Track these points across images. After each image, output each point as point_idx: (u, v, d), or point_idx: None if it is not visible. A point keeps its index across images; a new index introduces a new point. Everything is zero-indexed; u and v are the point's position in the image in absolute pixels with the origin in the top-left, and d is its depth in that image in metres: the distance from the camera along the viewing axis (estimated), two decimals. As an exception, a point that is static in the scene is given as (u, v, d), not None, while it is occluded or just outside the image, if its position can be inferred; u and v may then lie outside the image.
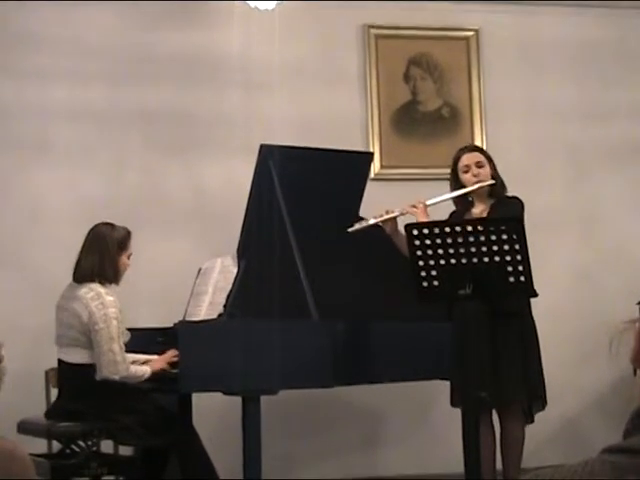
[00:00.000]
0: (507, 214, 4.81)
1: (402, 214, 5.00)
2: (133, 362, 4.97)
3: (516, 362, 4.83)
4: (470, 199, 5.08)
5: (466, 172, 5.05)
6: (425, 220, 4.86)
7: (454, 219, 5.00)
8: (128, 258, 5.03)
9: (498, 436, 5.03)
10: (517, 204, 4.97)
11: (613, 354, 1.89)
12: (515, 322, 4.85)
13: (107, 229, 5.00)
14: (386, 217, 5.00)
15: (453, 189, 5.10)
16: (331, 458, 6.31)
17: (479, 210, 5.05)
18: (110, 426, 4.83)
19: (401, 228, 4.92)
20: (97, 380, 4.81)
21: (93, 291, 4.85)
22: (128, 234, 5.03)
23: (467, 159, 5.08)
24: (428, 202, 4.98)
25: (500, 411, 4.97)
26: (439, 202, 5.04)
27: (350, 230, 4.97)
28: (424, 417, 6.41)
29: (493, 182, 5.00)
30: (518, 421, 4.94)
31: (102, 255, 4.93)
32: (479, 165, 5.05)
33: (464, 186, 5.03)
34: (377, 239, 5.13)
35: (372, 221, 5.00)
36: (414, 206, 4.96)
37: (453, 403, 5.02)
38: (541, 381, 4.91)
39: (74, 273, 4.97)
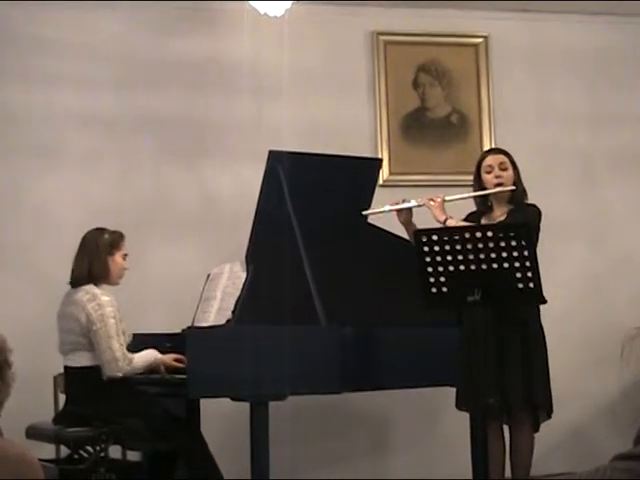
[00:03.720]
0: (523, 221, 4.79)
1: (419, 205, 5.02)
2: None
3: (521, 371, 4.81)
4: (490, 203, 5.07)
5: (489, 172, 5.04)
6: (440, 215, 4.89)
7: (470, 220, 5.00)
8: (124, 259, 5.08)
9: (507, 443, 5.02)
10: (534, 212, 4.95)
11: (624, 360, 1.88)
12: (521, 329, 4.83)
13: (95, 233, 5.09)
14: (402, 206, 5.03)
15: (476, 189, 5.09)
16: (339, 463, 6.31)
17: (498, 214, 5.03)
18: (118, 430, 4.84)
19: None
20: (103, 382, 4.83)
21: (89, 293, 4.92)
22: (120, 236, 5.10)
23: (491, 160, 5.07)
24: (447, 198, 5.00)
25: (509, 419, 4.96)
26: (457, 199, 5.04)
27: (364, 213, 5.02)
28: (432, 423, 6.40)
29: (513, 188, 4.98)
30: (527, 429, 4.92)
31: (91, 257, 5.01)
32: (502, 167, 5.03)
33: (486, 188, 5.03)
34: (385, 245, 5.13)
35: (387, 208, 5.03)
36: (432, 199, 4.98)
37: (458, 405, 5.00)
38: (547, 390, 4.89)
39: (70, 279, 5.05)
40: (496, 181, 4.99)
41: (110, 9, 6.18)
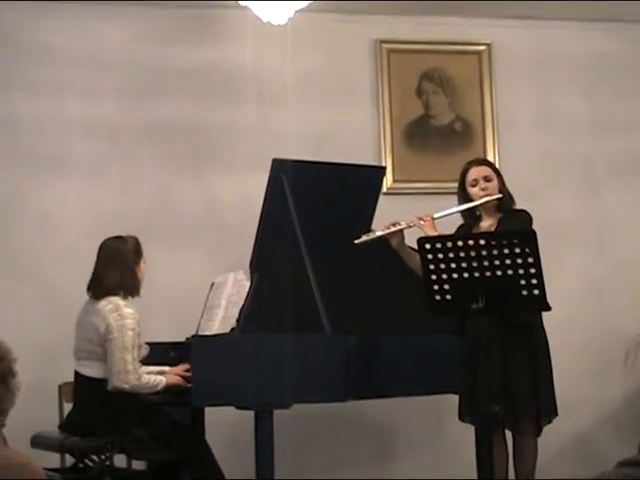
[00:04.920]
0: (515, 228, 4.79)
1: (409, 226, 4.99)
2: (147, 373, 4.97)
3: (526, 376, 4.80)
4: (478, 213, 5.07)
5: (474, 186, 5.04)
6: (433, 233, 4.85)
7: (462, 233, 4.99)
8: (144, 264, 5.07)
9: (510, 450, 5.01)
10: (525, 217, 4.95)
11: (629, 367, 1.89)
12: (526, 334, 4.83)
13: (120, 242, 5.03)
14: (393, 230, 4.99)
15: (461, 203, 5.09)
16: (344, 471, 6.30)
17: (487, 224, 5.03)
18: (123, 440, 4.83)
19: (408, 241, 4.93)
20: (110, 394, 4.81)
21: (112, 304, 4.88)
22: (138, 242, 5.07)
23: (475, 173, 5.07)
24: (436, 215, 4.97)
25: (512, 425, 4.95)
26: (447, 215, 5.03)
27: (357, 242, 4.96)
28: (437, 430, 6.40)
29: (500, 196, 4.99)
30: (530, 435, 4.91)
31: (123, 269, 4.96)
32: (487, 179, 5.04)
33: (472, 200, 5.03)
34: (389, 253, 5.12)
35: (379, 233, 4.99)
36: (421, 219, 4.95)
37: (461, 417, 5.00)
38: (551, 394, 4.89)
39: (93, 289, 4.97)
40: (482, 193, 4.99)
41: (114, 18, 6.20)
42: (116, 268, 4.95)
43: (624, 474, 1.57)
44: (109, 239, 5.06)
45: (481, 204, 4.99)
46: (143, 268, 5.06)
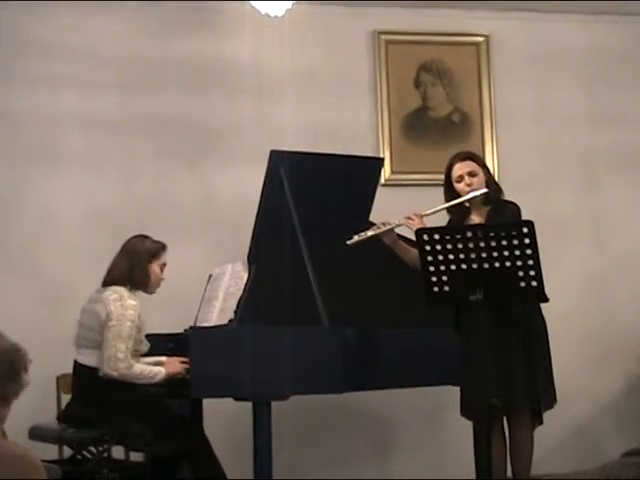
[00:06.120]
0: (505, 220, 4.77)
1: (398, 226, 4.98)
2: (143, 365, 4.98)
3: (524, 368, 4.80)
4: (468, 205, 5.06)
5: (459, 182, 5.02)
6: None
7: (458, 225, 4.97)
8: (162, 270, 5.09)
9: (508, 442, 5.01)
10: (513, 209, 4.93)
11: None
12: (523, 324, 4.82)
13: (139, 240, 5.11)
14: (383, 229, 4.96)
15: (448, 198, 5.06)
16: (342, 464, 6.30)
17: (476, 217, 5.02)
18: (121, 432, 4.83)
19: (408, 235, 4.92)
20: (108, 385, 4.81)
21: (117, 293, 4.92)
22: (162, 247, 5.11)
23: (459, 169, 5.03)
24: (424, 213, 4.96)
25: (508, 417, 4.95)
26: (435, 212, 5.01)
27: (349, 242, 4.93)
28: (435, 423, 6.40)
29: (486, 191, 4.95)
30: (526, 427, 4.91)
31: (131, 261, 5.02)
32: (472, 174, 5.01)
33: (459, 195, 5.00)
34: (387, 246, 5.12)
35: (370, 233, 4.97)
36: (410, 218, 4.93)
37: (463, 412, 4.99)
38: (550, 382, 4.88)
39: (104, 278, 5.04)
40: (468, 189, 4.97)
41: (112, 11, 6.19)
42: (127, 260, 5.03)
43: (630, 463, 1.57)
44: (132, 237, 5.13)
45: (467, 200, 4.98)
46: (156, 270, 5.07)
